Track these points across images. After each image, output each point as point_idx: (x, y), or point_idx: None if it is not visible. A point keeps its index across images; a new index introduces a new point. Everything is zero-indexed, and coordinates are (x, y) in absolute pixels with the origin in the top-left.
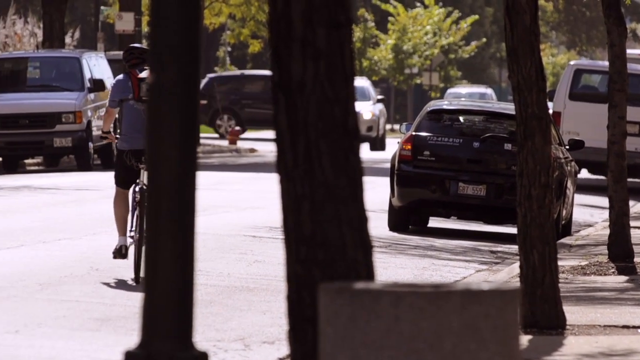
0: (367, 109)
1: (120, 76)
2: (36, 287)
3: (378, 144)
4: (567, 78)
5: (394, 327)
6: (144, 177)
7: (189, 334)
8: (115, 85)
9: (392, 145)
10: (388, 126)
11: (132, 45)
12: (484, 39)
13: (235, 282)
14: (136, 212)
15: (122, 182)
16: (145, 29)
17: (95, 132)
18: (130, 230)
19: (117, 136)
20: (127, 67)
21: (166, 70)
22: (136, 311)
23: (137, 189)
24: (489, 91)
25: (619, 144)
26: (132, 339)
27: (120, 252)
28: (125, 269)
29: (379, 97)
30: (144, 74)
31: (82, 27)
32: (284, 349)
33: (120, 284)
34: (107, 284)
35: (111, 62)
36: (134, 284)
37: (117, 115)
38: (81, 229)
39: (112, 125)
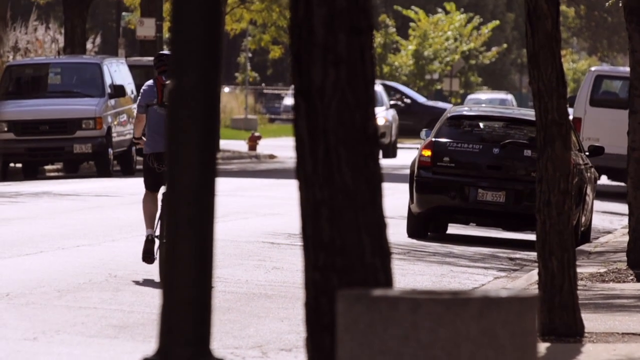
0: (381, 114)
1: (149, 82)
2: (55, 294)
3: (390, 151)
4: (587, 84)
5: (412, 334)
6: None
7: (206, 340)
8: (144, 92)
9: (406, 152)
10: None
11: (161, 52)
12: (505, 45)
13: (254, 289)
14: (158, 214)
15: (150, 185)
16: (166, 34)
17: (116, 138)
18: (156, 231)
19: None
20: (156, 73)
21: (187, 75)
22: (154, 318)
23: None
24: (509, 97)
25: (639, 150)
26: (150, 345)
27: (148, 240)
28: (144, 275)
29: (392, 102)
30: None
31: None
32: (302, 356)
33: (139, 291)
34: (126, 291)
35: (132, 68)
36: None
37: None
38: (100, 236)
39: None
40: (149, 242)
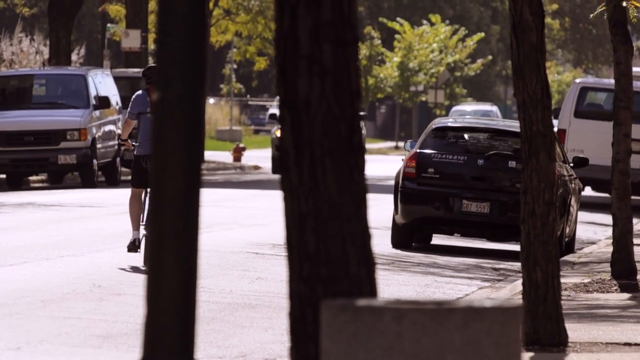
0: None
1: (140, 92)
2: (38, 304)
3: None
4: (572, 96)
5: (396, 344)
6: None
7: (190, 350)
8: (135, 100)
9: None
10: (392, 144)
11: (151, 65)
12: (490, 57)
13: (238, 299)
14: (147, 206)
15: (137, 182)
16: (151, 46)
17: (100, 149)
18: (143, 223)
19: (134, 143)
20: (146, 84)
21: (172, 87)
22: (138, 328)
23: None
24: (494, 109)
25: (624, 162)
26: (133, 355)
27: (134, 245)
28: (128, 285)
29: (361, 113)
30: None
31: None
32: None
33: (123, 301)
34: (110, 301)
35: (117, 79)
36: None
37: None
38: (84, 246)
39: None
40: (133, 242)
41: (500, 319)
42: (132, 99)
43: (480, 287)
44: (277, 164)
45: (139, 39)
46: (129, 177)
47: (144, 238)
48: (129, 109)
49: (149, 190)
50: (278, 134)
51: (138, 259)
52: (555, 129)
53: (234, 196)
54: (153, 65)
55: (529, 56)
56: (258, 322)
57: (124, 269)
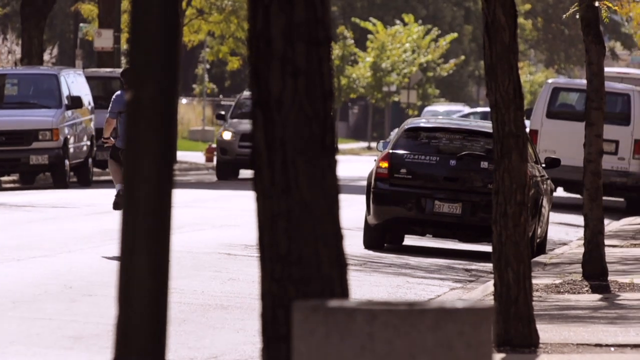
0: None
1: (119, 92)
2: (9, 305)
3: None
4: (544, 96)
5: (368, 345)
6: None
7: (162, 352)
8: (115, 100)
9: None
10: (365, 144)
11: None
12: (463, 57)
13: (209, 300)
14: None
15: (116, 159)
16: (124, 46)
17: (72, 149)
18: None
19: (113, 138)
20: (124, 85)
21: (145, 87)
22: (109, 329)
23: None
24: (467, 109)
25: (595, 162)
26: (105, 357)
27: (118, 194)
28: (100, 286)
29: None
30: None
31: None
32: None
33: (94, 302)
34: (81, 302)
35: (89, 79)
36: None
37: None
38: (56, 247)
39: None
40: (119, 196)
41: (471, 320)
42: (112, 99)
43: (452, 288)
44: (221, 169)
45: (112, 39)
46: (102, 178)
47: None
48: (109, 108)
49: None
50: (225, 135)
51: (112, 260)
52: (528, 130)
53: (206, 197)
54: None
55: (501, 56)
56: (230, 323)
57: (95, 270)
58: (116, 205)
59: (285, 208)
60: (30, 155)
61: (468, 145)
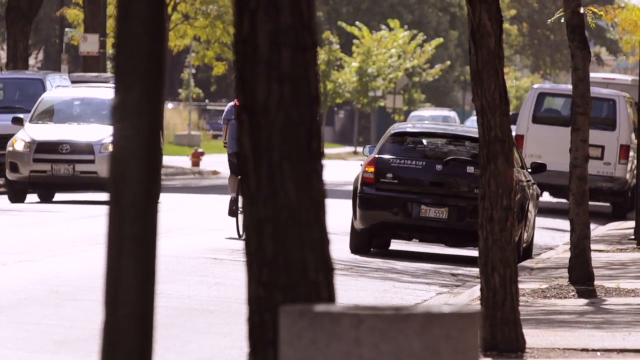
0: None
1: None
2: None
3: None
4: (530, 101)
5: (354, 350)
6: None
7: (148, 356)
8: (227, 109)
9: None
10: (351, 149)
11: None
12: (448, 62)
13: (196, 305)
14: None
15: (235, 172)
16: (109, 50)
17: None
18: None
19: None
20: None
21: (131, 91)
22: (96, 333)
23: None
24: (452, 114)
25: (581, 167)
26: None
27: (231, 209)
28: (86, 291)
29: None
30: None
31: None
32: None
33: (80, 306)
34: (67, 306)
35: (75, 83)
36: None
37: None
38: (42, 251)
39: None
40: (232, 203)
41: (458, 325)
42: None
43: (439, 292)
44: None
45: (97, 44)
46: None
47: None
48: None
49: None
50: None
51: (98, 264)
52: (513, 135)
53: (193, 201)
54: None
55: (487, 62)
56: (216, 328)
57: (82, 274)
58: (231, 213)
59: (271, 213)
60: None
61: (454, 150)
